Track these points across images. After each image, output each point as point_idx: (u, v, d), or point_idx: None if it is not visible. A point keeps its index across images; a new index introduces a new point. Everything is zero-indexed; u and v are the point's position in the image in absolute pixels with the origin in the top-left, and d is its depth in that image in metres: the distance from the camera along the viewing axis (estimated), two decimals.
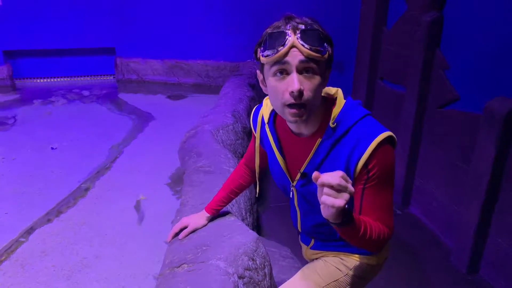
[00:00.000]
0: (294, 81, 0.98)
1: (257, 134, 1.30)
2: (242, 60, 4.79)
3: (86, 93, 5.09)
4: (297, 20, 1.01)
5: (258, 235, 1.42)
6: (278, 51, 0.97)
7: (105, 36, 5.22)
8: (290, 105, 1.01)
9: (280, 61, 0.98)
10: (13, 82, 5.35)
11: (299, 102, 1.00)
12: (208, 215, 1.46)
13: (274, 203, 2.73)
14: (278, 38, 0.98)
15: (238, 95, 3.22)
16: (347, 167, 1.06)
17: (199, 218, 1.46)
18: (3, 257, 2.03)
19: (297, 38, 0.97)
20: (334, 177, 0.82)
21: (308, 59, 0.98)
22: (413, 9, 2.72)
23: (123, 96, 4.92)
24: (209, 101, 3.97)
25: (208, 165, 1.97)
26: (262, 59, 1.01)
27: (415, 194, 2.75)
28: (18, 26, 5.06)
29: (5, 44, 5.13)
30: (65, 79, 5.50)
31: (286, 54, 0.97)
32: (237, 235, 1.37)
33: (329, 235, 1.28)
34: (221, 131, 2.39)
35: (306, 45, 0.97)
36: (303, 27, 0.99)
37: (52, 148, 3.45)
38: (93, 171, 2.98)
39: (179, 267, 1.28)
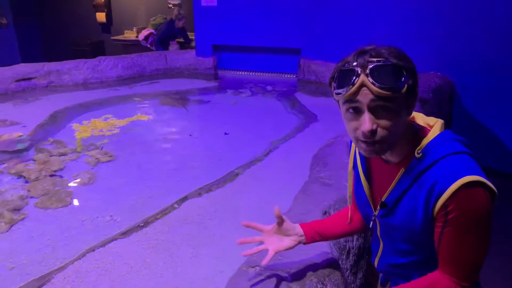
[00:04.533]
0: (366, 122, 0.94)
1: (351, 156, 1.28)
2: (425, 71, 4.42)
3: (269, 88, 5.60)
4: (368, 55, 0.95)
5: (337, 261, 1.38)
6: (347, 90, 0.94)
7: (294, 38, 5.60)
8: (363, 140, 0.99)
9: (351, 99, 0.96)
10: (216, 71, 6.32)
11: (372, 140, 0.96)
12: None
13: None
14: (347, 76, 0.95)
15: None
16: (426, 205, 0.98)
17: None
18: (158, 216, 2.51)
19: (367, 76, 0.92)
20: None
21: (379, 97, 0.92)
22: None
23: (299, 95, 5.22)
24: None
25: (328, 177, 1.98)
26: (335, 96, 1.01)
27: None
28: (225, 24, 5.92)
29: (214, 39, 6.09)
30: (256, 73, 6.16)
31: (356, 93, 0.94)
32: (315, 255, 1.38)
33: (405, 280, 1.17)
34: None
35: (376, 84, 0.91)
36: (373, 63, 0.93)
37: (225, 133, 3.97)
38: (248, 160, 3.32)
39: (254, 267, 1.38)
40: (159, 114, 4.52)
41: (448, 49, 4.38)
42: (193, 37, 6.71)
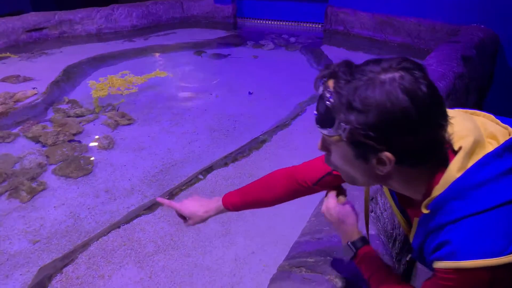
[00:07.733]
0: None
1: None
2: (465, 23, 4.01)
3: (292, 39, 5.25)
4: (325, 81, 0.76)
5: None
6: None
7: None
8: None
9: None
10: (235, 20, 5.94)
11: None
12: (222, 208, 1.21)
13: None
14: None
15: (442, 69, 2.74)
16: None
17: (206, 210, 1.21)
18: (184, 187, 2.38)
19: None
20: None
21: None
22: None
23: (325, 48, 4.87)
24: None
25: None
26: None
27: None
28: None
29: None
30: (278, 22, 5.77)
31: None
32: None
33: None
34: None
35: (316, 118, 0.79)
36: (322, 98, 0.76)
37: (249, 93, 3.74)
38: (274, 124, 3.12)
39: (298, 267, 1.24)
40: (178, 70, 4.29)
41: None
42: None
